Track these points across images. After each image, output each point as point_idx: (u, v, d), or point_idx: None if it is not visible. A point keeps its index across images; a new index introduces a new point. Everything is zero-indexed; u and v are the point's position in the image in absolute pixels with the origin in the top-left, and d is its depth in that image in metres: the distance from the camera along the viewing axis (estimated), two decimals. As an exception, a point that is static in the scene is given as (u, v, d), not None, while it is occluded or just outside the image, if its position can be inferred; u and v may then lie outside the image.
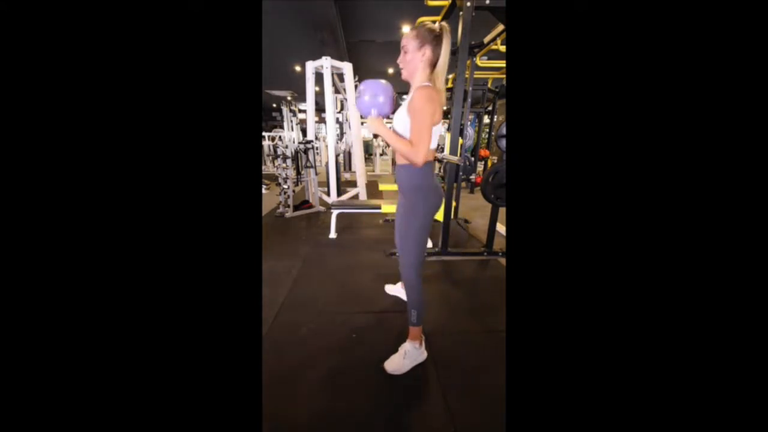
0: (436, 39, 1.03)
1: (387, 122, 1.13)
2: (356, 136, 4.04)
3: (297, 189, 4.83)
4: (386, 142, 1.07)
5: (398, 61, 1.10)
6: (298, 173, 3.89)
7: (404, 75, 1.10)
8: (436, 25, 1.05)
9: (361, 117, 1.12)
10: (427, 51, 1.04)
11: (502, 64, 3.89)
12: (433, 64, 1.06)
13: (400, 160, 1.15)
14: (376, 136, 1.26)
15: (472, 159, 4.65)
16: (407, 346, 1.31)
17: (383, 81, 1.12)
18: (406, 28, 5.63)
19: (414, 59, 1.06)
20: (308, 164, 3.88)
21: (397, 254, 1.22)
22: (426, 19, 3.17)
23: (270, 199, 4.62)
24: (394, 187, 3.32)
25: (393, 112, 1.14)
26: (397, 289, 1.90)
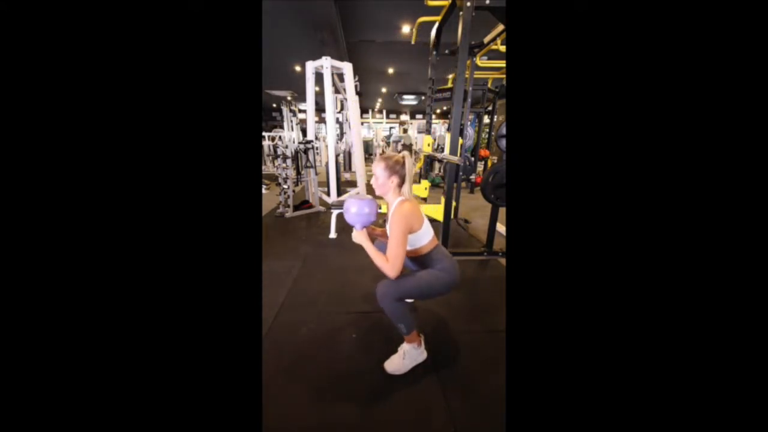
0: (402, 167, 1.30)
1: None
2: (356, 136, 4.04)
3: (297, 189, 4.83)
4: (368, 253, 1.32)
5: (371, 182, 1.35)
6: (298, 173, 3.89)
7: (378, 192, 1.34)
8: (400, 154, 1.32)
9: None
10: (395, 178, 1.30)
11: (502, 64, 3.89)
12: (401, 184, 1.31)
13: (417, 254, 1.36)
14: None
15: (472, 159, 4.65)
16: (406, 347, 1.32)
17: (368, 197, 1.35)
18: (406, 28, 5.62)
19: (385, 184, 1.31)
20: (308, 164, 3.87)
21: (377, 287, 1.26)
22: (426, 20, 3.17)
23: (270, 199, 4.62)
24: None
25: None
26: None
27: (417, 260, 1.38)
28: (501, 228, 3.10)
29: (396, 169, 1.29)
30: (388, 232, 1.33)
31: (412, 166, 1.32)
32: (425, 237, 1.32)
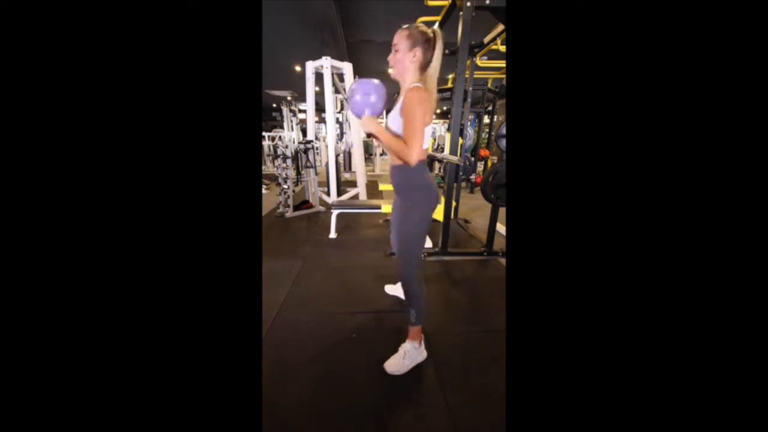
0: (427, 42, 1.04)
1: (380, 121, 1.14)
2: (356, 136, 4.04)
3: (297, 189, 4.83)
4: (379, 142, 1.13)
5: (388, 58, 1.10)
6: (298, 173, 3.89)
7: (393, 74, 1.11)
8: (430, 29, 1.05)
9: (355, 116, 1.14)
10: (418, 52, 1.05)
11: (502, 64, 3.89)
12: (424, 67, 1.07)
13: (394, 161, 1.16)
14: (369, 135, 1.25)
15: (472, 159, 4.65)
16: (407, 346, 1.32)
17: (375, 80, 1.12)
18: None
19: (404, 59, 1.06)
20: (308, 164, 3.88)
21: (395, 256, 1.22)
22: (426, 20, 3.17)
23: (270, 199, 4.62)
24: (394, 187, 3.32)
25: (388, 112, 1.13)
26: (396, 290, 1.90)
27: (399, 173, 1.16)
28: (501, 228, 3.10)
29: (421, 41, 1.03)
30: (392, 124, 1.09)
31: (441, 52, 1.05)
32: (427, 139, 1.12)
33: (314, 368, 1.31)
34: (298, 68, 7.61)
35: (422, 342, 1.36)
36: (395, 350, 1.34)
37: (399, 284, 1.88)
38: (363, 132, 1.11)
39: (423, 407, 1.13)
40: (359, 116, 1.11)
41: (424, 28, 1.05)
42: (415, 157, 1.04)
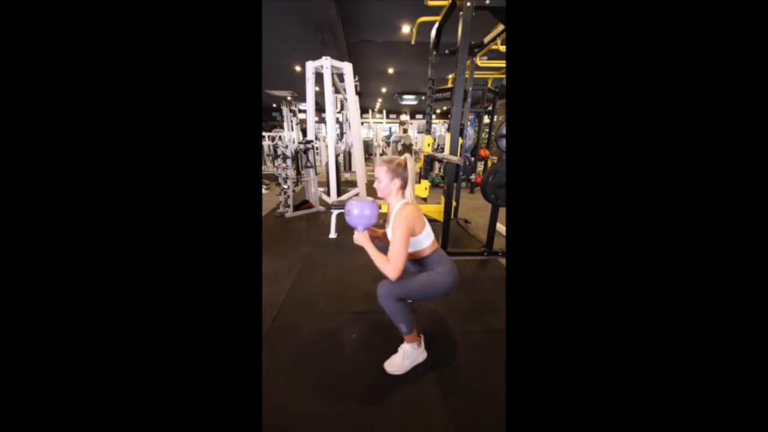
0: (404, 169, 1.31)
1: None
2: (356, 136, 4.04)
3: (297, 189, 4.83)
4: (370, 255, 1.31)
5: (375, 185, 1.35)
6: (298, 173, 3.89)
7: (380, 195, 1.35)
8: (402, 157, 1.34)
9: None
10: (397, 181, 1.31)
11: (502, 64, 3.89)
12: (403, 187, 1.32)
13: (415, 257, 1.36)
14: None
15: (472, 159, 4.65)
16: (406, 347, 1.32)
17: (369, 198, 1.37)
18: (406, 28, 5.61)
19: (388, 187, 1.32)
20: (308, 164, 3.88)
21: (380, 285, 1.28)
22: (426, 20, 3.17)
23: (270, 199, 4.62)
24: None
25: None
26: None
27: (417, 263, 1.39)
28: (501, 228, 3.10)
29: (398, 171, 1.31)
30: (388, 234, 1.34)
31: (414, 168, 1.34)
32: (426, 240, 1.33)
33: (314, 368, 1.31)
34: (298, 68, 7.61)
35: (422, 343, 1.36)
36: (395, 350, 1.34)
37: None
38: (356, 243, 1.36)
39: (423, 407, 1.13)
40: (355, 227, 1.35)
41: (398, 160, 1.32)
42: (395, 274, 1.22)
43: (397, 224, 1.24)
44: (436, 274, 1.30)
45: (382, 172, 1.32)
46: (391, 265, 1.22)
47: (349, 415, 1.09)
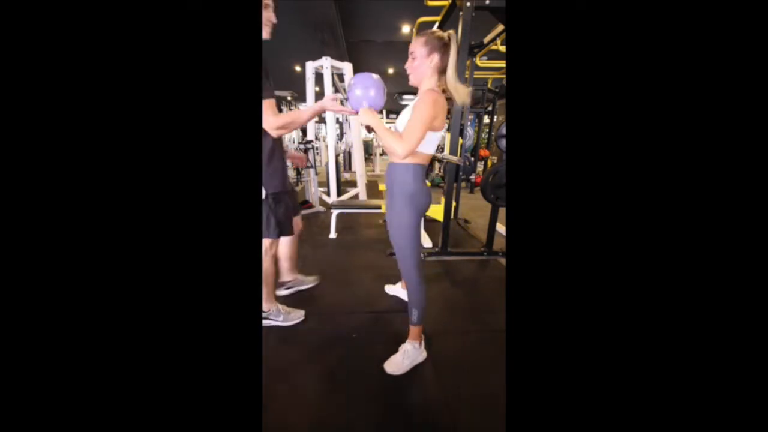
0: (444, 46, 1.04)
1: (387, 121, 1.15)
2: (356, 136, 4.04)
3: (297, 189, 4.83)
4: (376, 136, 1.10)
5: (406, 66, 1.10)
6: (298, 173, 3.89)
7: (412, 80, 1.10)
8: (445, 33, 1.06)
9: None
10: (435, 58, 1.05)
11: (502, 64, 3.89)
12: (441, 71, 1.07)
13: (391, 158, 1.15)
14: (369, 130, 1.13)
15: (472, 159, 4.65)
16: (407, 347, 1.32)
17: (375, 75, 1.12)
18: (406, 28, 5.62)
19: (422, 65, 1.06)
20: (308, 164, 3.88)
21: (396, 256, 1.24)
22: (426, 20, 3.18)
23: (270, 199, 4.61)
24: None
25: (388, 113, 1.17)
26: (396, 290, 1.90)
27: (392, 173, 1.17)
28: (501, 228, 3.10)
29: (437, 46, 1.03)
30: (400, 124, 1.10)
31: (455, 57, 1.05)
32: (433, 144, 1.10)
33: (314, 368, 1.31)
34: (298, 68, 7.62)
35: (422, 342, 1.36)
36: (395, 350, 1.34)
37: (399, 284, 1.88)
38: (363, 126, 1.12)
39: (423, 407, 1.13)
40: (357, 109, 1.11)
41: (440, 33, 1.05)
42: (404, 150, 1.02)
43: (425, 102, 1.00)
44: (402, 212, 1.13)
45: (417, 46, 1.05)
46: (403, 142, 1.01)
47: (349, 415, 1.09)
